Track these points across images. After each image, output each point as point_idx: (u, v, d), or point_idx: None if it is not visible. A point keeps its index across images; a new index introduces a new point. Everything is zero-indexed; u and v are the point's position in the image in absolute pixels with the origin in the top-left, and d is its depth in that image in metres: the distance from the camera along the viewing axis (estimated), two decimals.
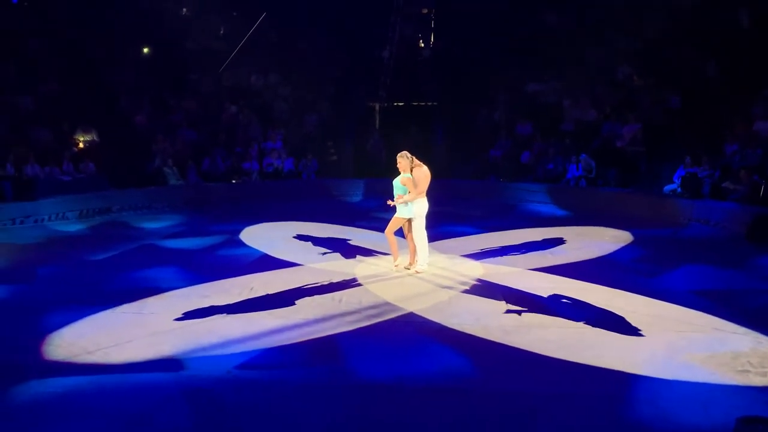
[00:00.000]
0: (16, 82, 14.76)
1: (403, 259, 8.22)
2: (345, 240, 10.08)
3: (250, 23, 19.26)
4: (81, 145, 14.56)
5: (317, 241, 10.03)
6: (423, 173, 7.86)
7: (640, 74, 16.23)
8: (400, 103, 19.25)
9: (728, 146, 12.69)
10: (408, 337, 5.87)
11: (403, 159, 7.98)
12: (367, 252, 9.22)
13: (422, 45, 20.62)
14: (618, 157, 14.40)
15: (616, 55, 16.60)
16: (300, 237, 10.39)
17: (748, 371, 5.03)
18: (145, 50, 18.68)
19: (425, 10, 20.42)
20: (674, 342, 5.65)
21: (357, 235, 10.42)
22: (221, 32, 19.65)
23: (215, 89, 18.09)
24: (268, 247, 9.71)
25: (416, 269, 8.00)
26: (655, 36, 16.08)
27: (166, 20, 17.79)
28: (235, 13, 19.72)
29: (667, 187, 12.74)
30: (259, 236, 10.64)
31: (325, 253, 9.23)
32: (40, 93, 15.12)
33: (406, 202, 7.84)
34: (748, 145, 12.34)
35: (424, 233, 7.98)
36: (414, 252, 8.09)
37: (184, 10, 19.32)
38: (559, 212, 13.24)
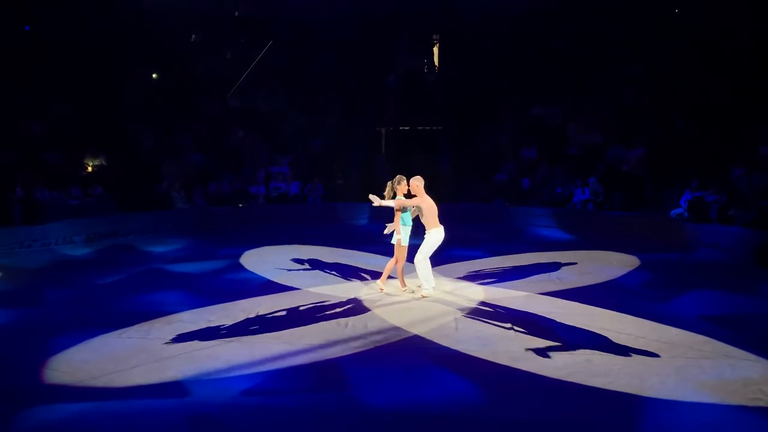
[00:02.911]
0: (27, 106, 14.95)
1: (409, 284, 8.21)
2: (351, 264, 10.06)
3: (258, 49, 19.55)
4: (89, 169, 14.69)
5: (323, 265, 10.02)
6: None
7: (645, 98, 16.29)
8: (406, 128, 19.36)
9: (735, 170, 12.66)
10: (415, 363, 5.81)
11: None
12: (374, 276, 9.19)
13: (427, 70, 20.79)
14: (624, 181, 14.40)
15: (621, 79, 16.72)
16: (306, 261, 10.40)
17: (759, 399, 4.95)
18: (154, 75, 18.95)
19: (431, 36, 20.62)
20: (684, 368, 5.57)
21: (363, 259, 10.40)
22: (229, 57, 19.92)
23: (223, 113, 18.28)
24: (273, 271, 9.70)
25: (422, 294, 7.98)
26: (661, 61, 16.22)
27: (175, 46, 18.06)
28: (242, 40, 20.03)
29: (674, 212, 12.70)
30: (264, 260, 10.64)
31: (330, 277, 9.22)
32: (51, 117, 15.30)
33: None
34: (755, 170, 12.31)
35: (427, 260, 7.98)
36: (388, 271, 8.21)
37: (193, 36, 19.62)
38: (566, 236, 13.20)
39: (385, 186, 8.17)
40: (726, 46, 15.27)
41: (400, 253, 8.05)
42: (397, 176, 8.14)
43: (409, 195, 8.12)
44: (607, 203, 14.15)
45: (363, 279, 9.08)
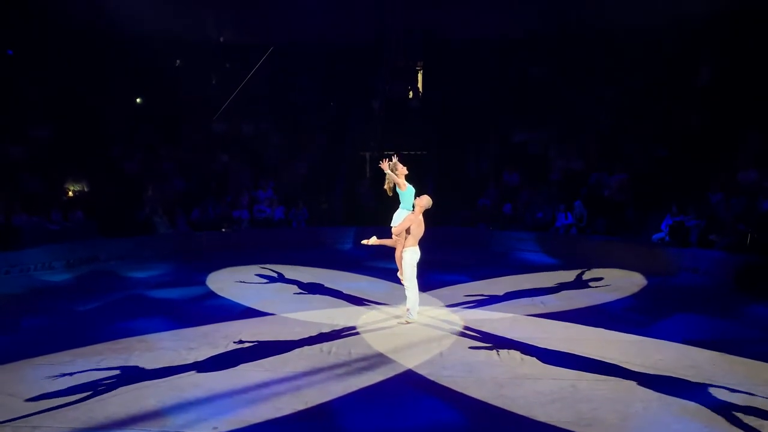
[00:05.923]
0: (7, 130, 14.79)
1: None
2: (335, 288, 10.00)
3: (243, 73, 19.66)
4: (70, 194, 14.52)
5: (307, 290, 9.95)
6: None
7: (627, 124, 16.55)
8: (391, 152, 19.43)
9: (713, 195, 12.86)
10: (399, 391, 5.77)
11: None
12: (358, 301, 9.16)
13: (411, 95, 21.00)
14: (606, 206, 14.54)
15: (602, 105, 17.01)
16: (290, 285, 10.32)
17: (741, 424, 4.97)
18: (138, 100, 18.93)
19: (416, 62, 20.88)
20: (666, 393, 5.58)
21: (347, 284, 10.34)
22: (213, 82, 20.00)
23: (207, 138, 18.25)
24: (257, 296, 9.61)
25: (407, 319, 7.95)
26: (639, 87, 16.55)
27: (159, 70, 18.07)
28: (228, 65, 20.15)
29: (656, 236, 12.83)
30: (248, 285, 10.54)
31: (314, 302, 9.15)
32: (32, 141, 15.16)
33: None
34: (732, 195, 12.51)
35: (415, 282, 7.94)
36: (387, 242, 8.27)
37: (178, 61, 19.67)
38: (549, 260, 13.26)
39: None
40: (705, 71, 15.65)
41: (399, 238, 8.08)
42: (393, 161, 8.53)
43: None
44: (590, 227, 14.27)
45: (347, 304, 9.02)
